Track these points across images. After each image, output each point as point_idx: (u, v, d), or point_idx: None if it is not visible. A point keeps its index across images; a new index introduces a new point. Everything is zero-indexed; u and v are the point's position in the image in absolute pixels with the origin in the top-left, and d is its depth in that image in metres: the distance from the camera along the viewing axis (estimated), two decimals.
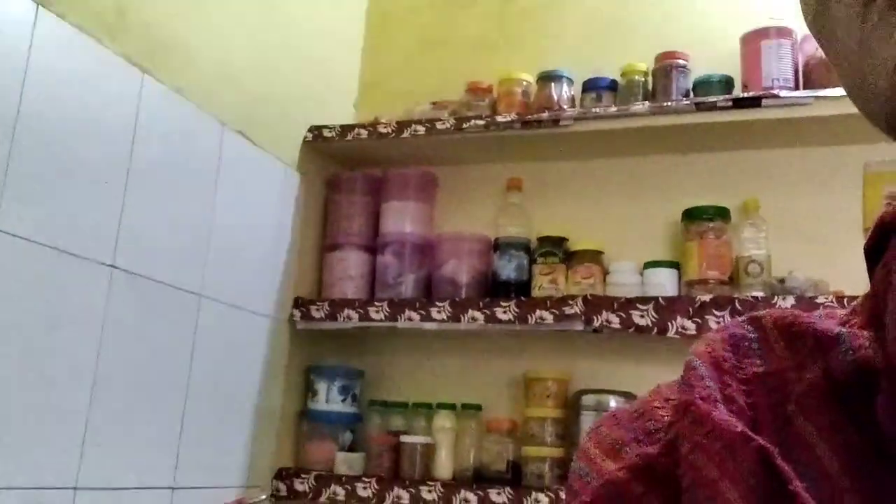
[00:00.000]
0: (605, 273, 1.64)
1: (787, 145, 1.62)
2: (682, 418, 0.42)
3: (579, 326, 1.52)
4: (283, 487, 1.65)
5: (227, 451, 1.55)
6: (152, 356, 1.35)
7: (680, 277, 1.58)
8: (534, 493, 1.50)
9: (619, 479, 0.43)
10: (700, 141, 1.64)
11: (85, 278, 1.22)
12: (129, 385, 1.30)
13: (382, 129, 1.76)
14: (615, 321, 1.49)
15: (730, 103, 1.52)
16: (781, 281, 1.49)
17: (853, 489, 0.37)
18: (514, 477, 1.59)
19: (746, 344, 0.45)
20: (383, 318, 1.66)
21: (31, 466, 1.13)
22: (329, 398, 1.73)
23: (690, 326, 1.44)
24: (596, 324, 1.50)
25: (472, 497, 1.54)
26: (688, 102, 1.56)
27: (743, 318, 0.47)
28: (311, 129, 1.80)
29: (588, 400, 1.57)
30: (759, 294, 1.46)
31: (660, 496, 0.41)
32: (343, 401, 1.74)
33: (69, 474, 1.19)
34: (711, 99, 1.54)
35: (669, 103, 1.57)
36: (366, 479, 1.62)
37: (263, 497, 1.12)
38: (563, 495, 1.48)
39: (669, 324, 1.44)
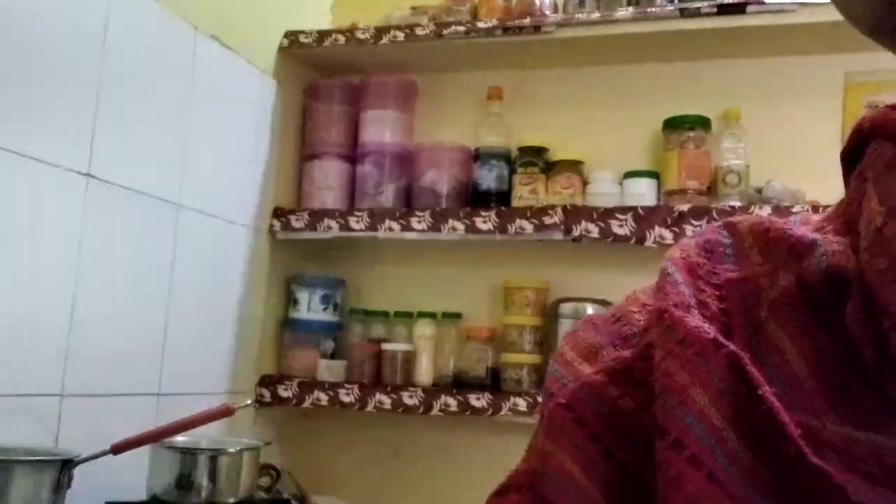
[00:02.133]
0: (585, 183, 1.64)
1: (771, 54, 1.60)
2: (656, 324, 0.42)
3: (559, 236, 1.53)
4: (267, 394, 1.69)
5: (211, 359, 1.57)
6: (132, 266, 1.35)
7: (659, 187, 1.59)
8: (512, 398, 1.55)
9: (595, 381, 0.43)
10: (683, 49, 1.62)
11: (61, 187, 1.20)
12: (109, 295, 1.30)
13: (361, 36, 1.72)
14: (594, 231, 1.50)
15: (714, 9, 1.50)
16: (759, 191, 1.50)
17: (821, 393, 0.38)
18: (493, 383, 1.63)
19: (721, 249, 0.45)
20: (363, 228, 1.67)
21: (16, 374, 1.14)
22: (310, 307, 1.75)
23: (668, 236, 1.45)
24: (575, 233, 1.52)
25: (451, 402, 1.58)
26: (672, 8, 1.53)
27: (718, 223, 0.47)
28: (287, 35, 1.75)
29: (566, 308, 1.60)
30: (737, 204, 1.48)
31: (636, 399, 0.41)
32: (324, 309, 1.76)
33: (55, 382, 1.20)
34: (696, 5, 1.52)
35: (654, 9, 1.54)
36: (348, 385, 1.65)
37: (249, 402, 1.15)
38: (540, 399, 1.52)
39: (647, 233, 1.46)
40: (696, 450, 0.37)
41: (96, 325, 1.27)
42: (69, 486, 0.89)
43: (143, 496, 1.18)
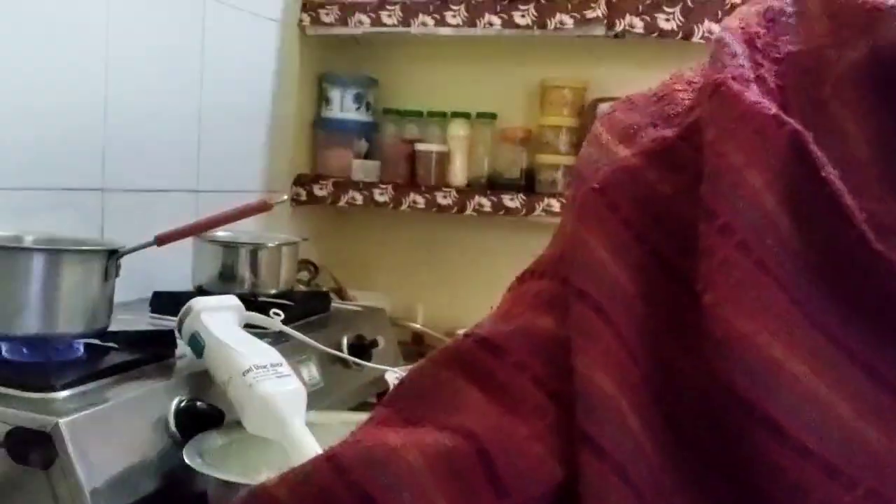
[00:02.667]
0: None
1: None
2: (709, 99, 0.38)
3: (600, 31, 1.46)
4: (302, 192, 1.71)
5: (246, 157, 1.58)
6: (162, 61, 1.32)
7: None
8: (546, 199, 1.55)
9: (632, 164, 0.40)
10: None
11: None
12: (140, 90, 1.28)
13: None
14: (639, 25, 1.43)
15: None
16: None
17: (884, 178, 0.35)
18: (528, 184, 1.63)
19: (784, 19, 0.41)
20: (396, 22, 1.60)
21: (58, 169, 1.15)
22: (343, 106, 1.72)
23: (717, 30, 1.37)
24: (618, 28, 1.44)
25: (485, 202, 1.59)
26: None
27: None
28: None
29: (605, 108, 1.55)
30: None
31: (676, 183, 0.39)
32: (357, 109, 1.73)
33: (95, 176, 1.22)
34: None
35: None
36: (382, 185, 1.66)
37: (285, 198, 1.15)
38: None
39: (696, 27, 1.38)
40: (746, 235, 0.35)
41: (130, 120, 1.26)
42: (117, 275, 0.92)
43: (188, 287, 1.22)
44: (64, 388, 0.77)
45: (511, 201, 1.57)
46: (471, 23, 1.55)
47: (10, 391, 0.76)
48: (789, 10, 0.41)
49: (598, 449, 0.36)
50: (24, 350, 0.87)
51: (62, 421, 0.70)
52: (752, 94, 0.37)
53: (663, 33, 1.41)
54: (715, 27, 1.37)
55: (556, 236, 0.46)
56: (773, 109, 0.36)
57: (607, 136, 0.45)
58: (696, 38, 1.39)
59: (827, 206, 0.34)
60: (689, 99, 0.43)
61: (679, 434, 0.37)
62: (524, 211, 1.56)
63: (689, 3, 1.39)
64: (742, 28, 0.41)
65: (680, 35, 1.40)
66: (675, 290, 0.37)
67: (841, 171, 0.35)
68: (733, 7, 1.35)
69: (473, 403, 0.40)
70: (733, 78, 0.38)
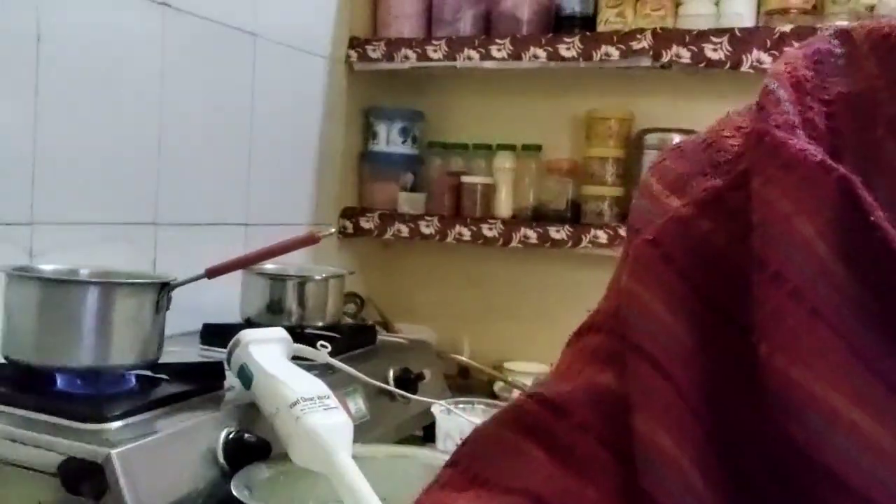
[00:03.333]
0: (678, 4, 1.53)
1: None
2: (755, 148, 0.37)
3: (646, 62, 1.45)
4: (349, 225, 1.72)
5: (294, 191, 1.60)
6: (214, 99, 1.36)
7: (759, 6, 1.47)
8: (592, 231, 1.53)
9: (684, 214, 0.40)
10: None
11: (137, 19, 1.19)
12: (193, 126, 1.31)
13: None
14: (685, 56, 1.42)
15: None
16: (871, 8, 1.38)
17: None
18: (574, 216, 1.62)
19: (833, 60, 0.40)
20: (441, 57, 1.62)
21: (112, 203, 1.18)
22: (389, 140, 1.74)
23: (767, 60, 1.36)
24: (665, 59, 1.43)
25: (531, 234, 1.58)
26: None
27: (830, 31, 0.41)
28: None
29: (651, 139, 1.54)
30: (844, 24, 1.36)
31: (728, 231, 0.38)
32: (403, 142, 1.75)
33: (148, 211, 1.24)
34: None
35: None
36: (428, 218, 1.66)
37: (332, 230, 1.17)
38: (622, 231, 1.51)
39: (744, 57, 1.37)
40: (799, 282, 0.34)
41: (182, 155, 1.29)
42: (168, 307, 0.94)
43: (237, 319, 1.24)
44: (116, 419, 0.79)
45: (557, 233, 1.56)
46: (516, 56, 1.56)
47: (64, 422, 0.77)
48: (837, 51, 0.41)
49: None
50: (79, 382, 0.89)
51: (114, 452, 0.71)
52: (798, 140, 0.36)
53: (710, 63, 1.40)
54: (764, 56, 1.36)
55: (611, 289, 0.46)
56: (819, 156, 0.36)
57: (658, 187, 0.44)
58: (744, 68, 1.38)
59: (879, 251, 0.33)
60: (737, 145, 0.42)
61: (744, 490, 0.36)
62: (570, 243, 1.55)
63: (737, 33, 1.38)
64: (789, 72, 0.40)
65: (728, 65, 1.39)
66: (735, 341, 0.36)
67: (894, 213, 0.34)
68: (782, 36, 1.34)
69: (538, 466, 0.40)
70: (777, 126, 0.37)
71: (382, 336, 1.39)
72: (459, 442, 0.44)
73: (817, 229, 0.34)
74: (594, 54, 1.49)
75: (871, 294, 0.34)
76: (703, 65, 1.41)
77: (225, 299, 1.22)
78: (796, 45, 0.42)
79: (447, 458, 0.45)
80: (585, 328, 0.45)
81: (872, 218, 0.33)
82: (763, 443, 0.35)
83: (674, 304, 0.38)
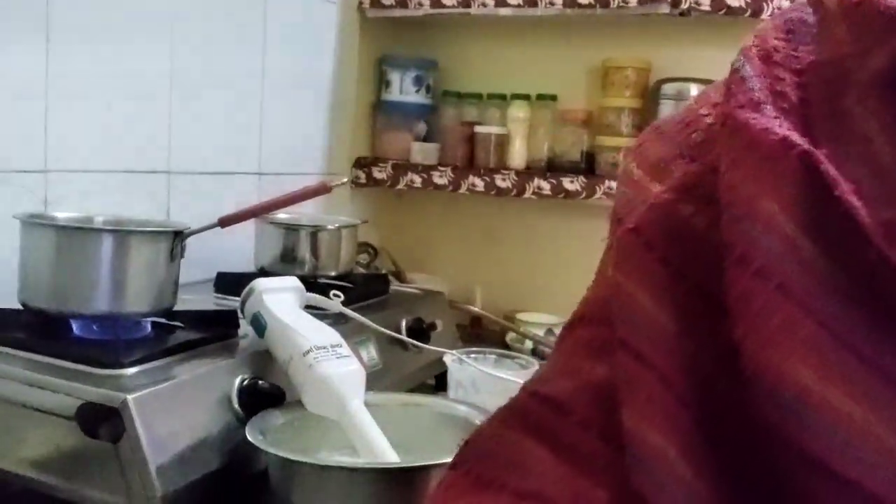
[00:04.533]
0: None
1: None
2: (720, 131, 0.37)
3: (665, 9, 1.43)
4: (362, 175, 1.72)
5: (307, 140, 1.59)
6: (225, 46, 1.34)
7: None
8: (607, 182, 1.52)
9: (664, 200, 0.39)
10: None
11: None
12: (205, 74, 1.30)
13: None
14: (705, 2, 1.39)
15: None
16: None
17: None
18: (588, 166, 1.61)
19: (805, 29, 0.39)
20: (456, 3, 1.59)
21: (125, 152, 1.18)
22: (403, 89, 1.72)
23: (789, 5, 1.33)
24: (684, 6, 1.40)
25: (545, 185, 1.57)
26: None
27: None
28: None
29: (669, 89, 1.52)
30: None
31: (706, 217, 0.38)
32: (417, 91, 1.73)
33: (161, 160, 1.24)
34: None
35: None
36: (441, 168, 1.66)
37: (345, 180, 1.16)
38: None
39: (765, 4, 1.34)
40: (764, 262, 0.33)
41: (195, 105, 1.29)
42: (182, 255, 0.94)
43: (251, 268, 1.25)
44: (132, 365, 0.80)
45: (571, 184, 1.55)
46: (531, 3, 1.53)
47: (81, 367, 0.78)
48: (810, 19, 0.40)
49: (647, 502, 0.35)
50: (95, 328, 0.90)
51: (130, 397, 0.72)
52: (762, 118, 0.36)
53: (731, 11, 1.37)
54: (785, 3, 1.33)
55: (598, 277, 0.46)
56: (781, 133, 0.35)
57: (639, 172, 0.44)
58: (764, 16, 1.35)
59: (844, 224, 0.33)
60: (713, 124, 0.42)
61: (734, 477, 0.35)
62: (584, 194, 1.54)
63: None
64: (757, 45, 0.39)
65: (749, 12, 1.36)
66: (719, 325, 0.36)
67: (868, 181, 0.34)
68: None
69: (544, 466, 0.40)
70: (741, 106, 0.37)
71: (395, 286, 1.40)
72: (461, 443, 0.44)
73: (781, 206, 0.34)
74: (611, 1, 1.46)
75: (838, 267, 0.33)
76: (722, 12, 1.38)
77: (238, 248, 1.23)
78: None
79: (458, 406, 0.45)
80: (577, 320, 0.45)
81: (836, 192, 0.33)
82: (748, 428, 0.34)
83: (657, 292, 0.38)
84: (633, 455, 0.36)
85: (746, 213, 0.34)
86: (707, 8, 1.39)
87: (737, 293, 0.34)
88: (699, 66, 1.52)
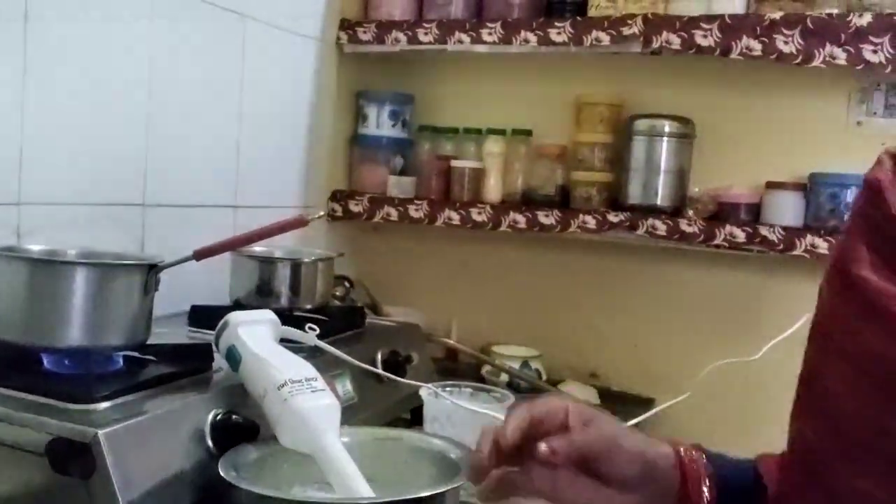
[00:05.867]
0: None
1: None
2: None
3: (637, 48, 1.46)
4: (338, 208, 1.72)
5: (283, 174, 1.60)
6: (202, 79, 1.35)
7: None
8: (581, 216, 1.54)
9: None
10: None
11: None
12: (182, 108, 1.31)
13: None
14: (676, 42, 1.42)
15: None
16: None
17: None
18: (563, 200, 1.62)
19: None
20: (432, 40, 1.61)
21: (100, 184, 1.18)
22: (379, 123, 1.74)
23: (756, 47, 1.36)
24: (655, 45, 1.43)
25: (520, 219, 1.59)
26: None
27: None
28: None
29: (641, 125, 1.54)
30: (835, 11, 1.36)
31: None
32: (393, 126, 1.74)
33: (136, 192, 1.24)
34: None
35: None
36: (417, 201, 1.67)
37: (321, 213, 1.17)
38: (610, 217, 1.51)
39: (734, 44, 1.37)
40: None
41: (171, 137, 1.29)
42: (156, 289, 0.94)
43: (226, 301, 1.24)
44: (103, 399, 0.79)
45: (546, 218, 1.56)
46: (507, 40, 1.55)
47: (52, 401, 0.77)
48: None
49: None
50: (66, 362, 0.89)
51: (101, 432, 0.71)
52: None
53: (700, 50, 1.40)
54: (753, 43, 1.36)
55: None
56: None
57: None
58: (734, 55, 1.38)
59: None
60: None
61: None
62: (559, 227, 1.55)
63: (727, 20, 1.38)
64: None
65: (717, 52, 1.39)
66: None
67: None
68: (772, 24, 1.34)
69: None
70: None
71: (371, 319, 1.40)
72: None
73: None
74: (585, 39, 1.49)
75: None
76: (693, 51, 1.41)
77: (213, 281, 1.22)
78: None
79: (434, 440, 0.45)
80: None
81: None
82: None
83: None
84: None
85: None
86: (678, 47, 1.42)
87: None
88: (670, 103, 1.56)
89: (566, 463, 0.65)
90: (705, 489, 0.70)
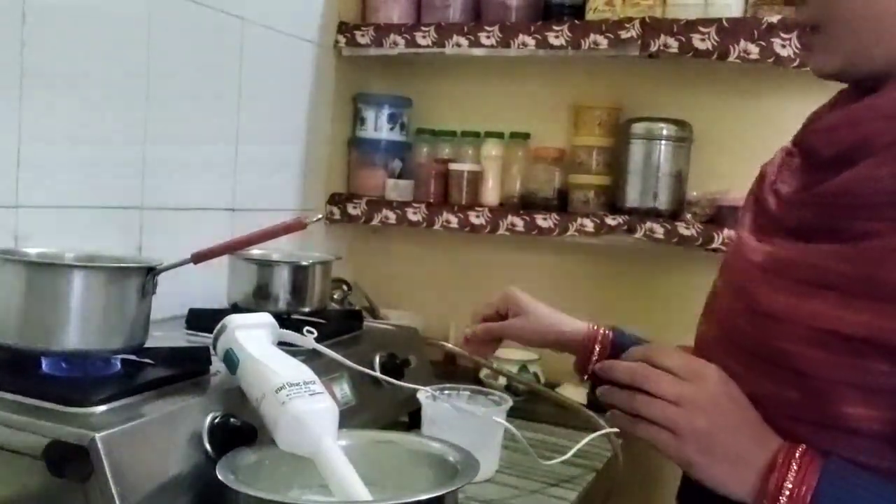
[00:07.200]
0: None
1: None
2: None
3: (635, 52, 1.46)
4: (336, 211, 1.72)
5: (281, 176, 1.60)
6: (200, 82, 1.35)
7: None
8: (579, 219, 1.54)
9: None
10: None
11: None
12: (180, 110, 1.31)
13: None
14: (674, 45, 1.42)
15: None
16: None
17: None
18: (561, 203, 1.63)
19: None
20: (430, 43, 1.61)
21: (98, 188, 1.18)
22: (377, 126, 1.74)
23: (754, 50, 1.37)
24: (653, 48, 1.44)
25: (518, 222, 1.59)
26: None
27: None
28: None
29: (638, 128, 1.55)
30: None
31: None
32: (391, 129, 1.75)
33: (134, 195, 1.24)
34: None
35: None
36: (415, 204, 1.67)
37: (319, 216, 1.16)
38: (608, 220, 1.51)
39: (732, 47, 1.37)
40: None
41: (169, 141, 1.29)
42: (154, 292, 0.93)
43: (224, 305, 1.24)
44: (101, 402, 0.79)
45: (544, 221, 1.57)
46: (505, 43, 1.56)
47: (49, 405, 0.77)
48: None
49: None
50: (64, 365, 0.89)
51: (99, 435, 0.71)
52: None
53: (698, 53, 1.41)
54: (751, 47, 1.37)
55: None
56: None
57: None
58: (731, 58, 1.38)
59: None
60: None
61: None
62: (557, 230, 1.55)
63: (725, 23, 1.39)
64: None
65: (715, 55, 1.39)
66: None
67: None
68: (770, 27, 1.34)
69: None
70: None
71: (369, 322, 1.39)
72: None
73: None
74: (583, 43, 1.49)
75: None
76: (690, 55, 1.41)
77: (211, 284, 1.22)
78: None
79: (432, 443, 0.45)
80: None
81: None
82: None
83: None
84: None
85: None
86: (675, 50, 1.42)
87: None
88: (668, 106, 1.56)
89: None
90: (597, 346, 1.06)
